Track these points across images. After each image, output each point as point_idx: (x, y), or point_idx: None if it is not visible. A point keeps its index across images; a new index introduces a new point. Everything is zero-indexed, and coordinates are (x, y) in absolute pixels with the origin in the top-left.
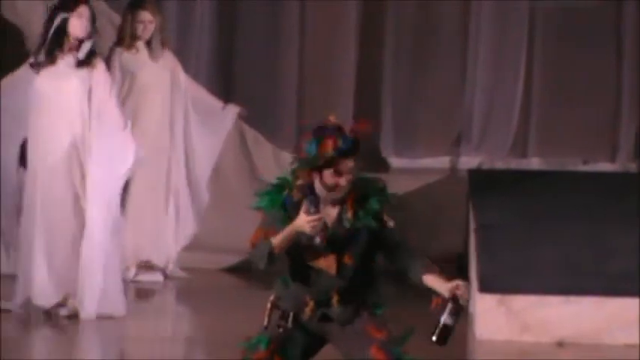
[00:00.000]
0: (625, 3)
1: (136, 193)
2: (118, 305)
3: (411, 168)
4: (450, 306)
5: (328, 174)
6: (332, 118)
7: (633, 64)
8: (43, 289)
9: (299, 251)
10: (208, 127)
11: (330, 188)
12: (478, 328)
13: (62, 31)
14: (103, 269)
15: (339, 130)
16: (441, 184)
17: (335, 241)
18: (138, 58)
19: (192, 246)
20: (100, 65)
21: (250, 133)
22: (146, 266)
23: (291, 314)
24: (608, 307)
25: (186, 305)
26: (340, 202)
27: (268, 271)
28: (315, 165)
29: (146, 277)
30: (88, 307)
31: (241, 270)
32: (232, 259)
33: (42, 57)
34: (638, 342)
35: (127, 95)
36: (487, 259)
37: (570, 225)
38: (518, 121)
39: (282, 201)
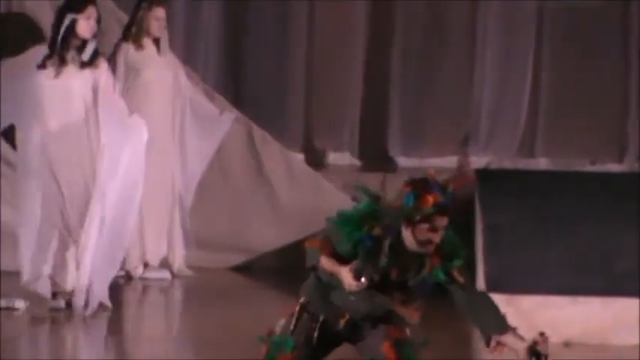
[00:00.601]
0: (631, 3)
1: (143, 191)
2: (105, 299)
3: (419, 168)
4: None
5: (423, 229)
6: (431, 173)
7: None
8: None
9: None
10: (204, 131)
11: (422, 243)
12: None
13: (71, 32)
14: (105, 262)
15: (440, 186)
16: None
17: (402, 285)
18: (144, 55)
19: (199, 244)
20: (103, 65)
21: (258, 133)
22: (153, 264)
23: (321, 319)
24: (614, 307)
25: (194, 304)
26: (420, 254)
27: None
28: (412, 219)
29: (154, 275)
30: (91, 301)
31: (248, 269)
32: (239, 258)
33: (52, 59)
34: None
35: (129, 91)
36: (494, 259)
37: (577, 225)
38: (525, 121)
39: (358, 237)
